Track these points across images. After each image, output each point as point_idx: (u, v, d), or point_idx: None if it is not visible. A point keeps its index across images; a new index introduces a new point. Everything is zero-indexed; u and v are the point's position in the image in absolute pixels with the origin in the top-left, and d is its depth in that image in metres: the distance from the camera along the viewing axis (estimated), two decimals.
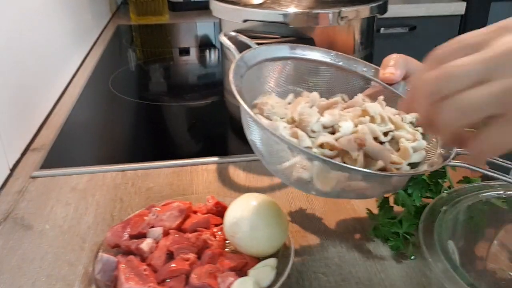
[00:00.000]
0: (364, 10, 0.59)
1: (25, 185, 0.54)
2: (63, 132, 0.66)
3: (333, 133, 0.36)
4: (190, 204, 0.43)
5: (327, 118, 0.36)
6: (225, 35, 0.42)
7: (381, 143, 0.36)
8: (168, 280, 0.36)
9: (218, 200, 0.44)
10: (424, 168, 0.35)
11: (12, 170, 0.57)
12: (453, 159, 0.34)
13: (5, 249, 0.43)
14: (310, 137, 0.35)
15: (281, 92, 0.42)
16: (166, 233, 0.40)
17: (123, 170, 0.56)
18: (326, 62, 0.43)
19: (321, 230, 0.45)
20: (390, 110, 0.39)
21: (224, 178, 0.54)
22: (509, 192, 0.37)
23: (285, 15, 0.56)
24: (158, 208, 0.43)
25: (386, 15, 0.64)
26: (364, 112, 0.37)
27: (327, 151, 0.34)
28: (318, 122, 0.35)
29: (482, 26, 0.27)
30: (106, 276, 0.37)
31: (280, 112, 0.37)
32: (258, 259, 0.39)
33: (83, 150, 0.64)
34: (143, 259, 0.38)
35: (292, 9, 0.57)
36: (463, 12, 1.53)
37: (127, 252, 0.39)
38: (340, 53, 0.43)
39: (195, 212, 0.43)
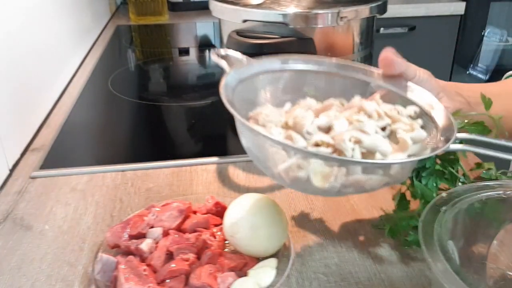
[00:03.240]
0: (364, 10, 0.59)
1: (25, 186, 0.53)
2: (63, 132, 0.66)
3: (328, 132, 0.35)
4: (190, 204, 0.43)
5: (322, 120, 0.36)
6: (217, 54, 0.42)
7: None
8: (167, 281, 0.36)
9: (218, 200, 0.44)
10: (427, 152, 0.34)
11: (12, 170, 0.57)
12: (455, 143, 0.34)
13: (4, 249, 0.43)
14: (305, 139, 0.34)
15: (278, 103, 0.41)
16: (165, 233, 0.40)
17: (122, 171, 0.56)
18: (320, 72, 0.42)
19: (321, 230, 0.45)
20: (387, 106, 0.38)
21: (224, 178, 0.54)
22: (509, 192, 0.37)
23: (284, 15, 0.56)
24: (157, 209, 0.43)
25: (385, 15, 0.64)
26: (360, 110, 0.37)
27: (322, 149, 0.33)
28: (313, 123, 0.35)
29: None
30: (105, 276, 0.37)
31: (275, 120, 0.37)
32: (258, 259, 0.39)
33: (82, 151, 0.64)
34: (143, 259, 0.38)
35: (291, 9, 0.57)
36: (462, 12, 1.53)
37: (127, 253, 0.39)
38: (334, 60, 0.43)
39: (194, 212, 0.43)
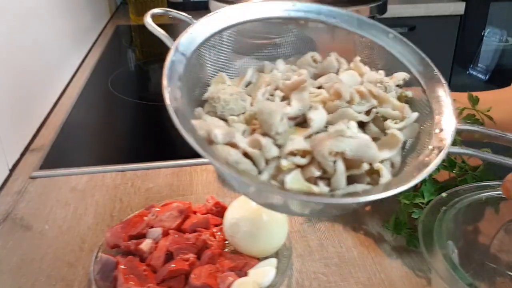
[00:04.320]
0: (364, 11, 0.59)
1: (25, 186, 0.53)
2: (63, 132, 0.66)
3: (303, 122, 0.30)
4: (190, 204, 0.43)
5: (294, 107, 0.29)
6: (152, 16, 0.33)
7: (363, 124, 0.30)
8: (167, 281, 0.36)
9: (218, 200, 0.44)
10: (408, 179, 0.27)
11: (12, 170, 0.57)
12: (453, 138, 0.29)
13: (4, 249, 0.43)
14: (275, 139, 0.28)
15: (237, 68, 0.34)
16: (165, 234, 0.40)
17: (122, 171, 0.56)
18: (284, 17, 0.34)
19: (321, 230, 0.45)
20: (371, 77, 0.32)
21: (223, 178, 0.54)
22: None
23: None
24: (157, 209, 0.43)
25: (385, 15, 0.64)
26: (338, 94, 0.30)
27: (298, 159, 0.27)
28: (283, 119, 0.28)
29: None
30: (105, 276, 0.37)
31: (237, 107, 0.30)
32: (258, 259, 0.39)
33: (82, 151, 0.64)
34: (143, 259, 0.38)
35: None
36: (462, 12, 1.53)
37: (127, 253, 0.39)
38: (303, 3, 0.35)
39: (194, 213, 0.43)
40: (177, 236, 0.39)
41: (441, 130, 0.30)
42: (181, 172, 0.55)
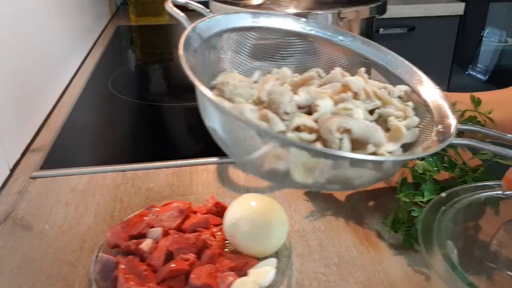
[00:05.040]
0: (363, 11, 0.59)
1: (25, 186, 0.54)
2: (63, 132, 0.66)
3: (310, 113, 0.30)
4: (190, 204, 0.43)
5: (302, 97, 0.30)
6: (173, 3, 0.36)
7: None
8: (167, 280, 0.36)
9: (218, 200, 0.44)
10: (418, 151, 0.29)
11: (12, 170, 0.57)
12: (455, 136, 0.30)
13: (5, 249, 0.43)
14: (283, 120, 0.29)
15: (246, 70, 0.35)
16: (165, 233, 0.40)
17: (123, 171, 0.56)
18: (296, 32, 0.37)
19: (321, 230, 0.45)
20: (375, 84, 0.34)
21: (224, 178, 0.54)
22: (507, 192, 0.37)
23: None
24: (158, 209, 0.43)
25: (385, 16, 0.65)
26: (345, 88, 0.31)
27: (304, 135, 0.28)
28: (291, 101, 0.29)
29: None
30: (106, 276, 0.37)
31: (245, 93, 0.30)
32: (258, 259, 0.39)
33: (83, 151, 0.64)
34: (143, 259, 0.38)
35: (291, 10, 0.57)
36: (461, 13, 1.53)
37: (127, 252, 0.39)
38: (313, 20, 0.38)
39: (194, 212, 0.43)
40: (177, 236, 0.39)
41: (443, 127, 0.31)
42: (181, 172, 0.55)
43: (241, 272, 0.37)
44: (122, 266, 0.36)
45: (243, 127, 0.26)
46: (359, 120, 0.28)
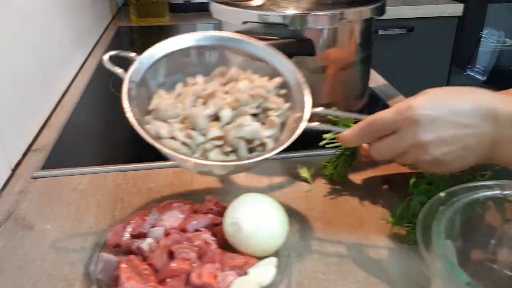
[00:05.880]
0: (363, 12, 0.59)
1: (27, 186, 0.54)
2: (64, 132, 0.67)
3: (217, 118, 0.44)
4: (190, 204, 0.44)
5: (211, 109, 0.44)
6: (107, 58, 0.48)
7: (255, 114, 0.45)
8: (168, 280, 0.36)
9: (218, 200, 0.44)
10: (283, 139, 0.43)
11: (14, 170, 0.57)
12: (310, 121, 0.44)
13: (6, 249, 0.43)
14: (201, 134, 0.43)
15: (170, 83, 0.48)
16: (166, 233, 0.40)
17: (124, 171, 0.56)
18: (198, 46, 0.49)
19: (320, 230, 0.45)
20: (258, 81, 0.47)
21: (223, 178, 0.55)
22: (506, 192, 0.37)
23: (284, 17, 0.56)
24: (158, 208, 0.43)
25: (384, 17, 0.65)
26: (237, 100, 0.45)
27: (216, 142, 0.43)
28: (204, 118, 0.43)
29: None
30: (107, 276, 0.37)
31: (173, 113, 0.44)
32: (258, 258, 0.39)
33: (84, 151, 0.64)
34: (144, 258, 0.38)
35: (291, 11, 0.57)
36: (460, 14, 1.54)
37: (128, 252, 0.39)
38: (208, 33, 0.49)
39: (195, 212, 0.43)
40: (178, 235, 0.39)
41: (303, 112, 0.44)
42: (182, 172, 0.56)
43: (241, 271, 0.37)
44: (123, 266, 0.37)
45: (175, 156, 0.41)
46: (248, 127, 0.43)
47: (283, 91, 0.47)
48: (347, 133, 0.43)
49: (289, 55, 0.58)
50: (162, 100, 0.45)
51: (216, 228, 0.42)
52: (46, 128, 0.69)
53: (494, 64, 1.67)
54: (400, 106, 0.39)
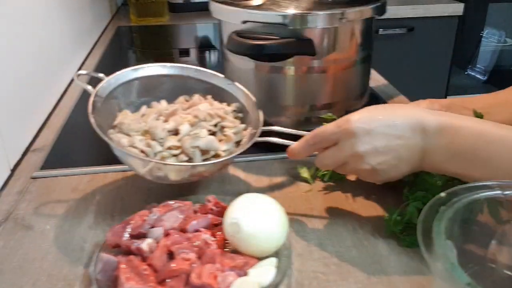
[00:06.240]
0: (363, 12, 0.59)
1: (26, 186, 0.54)
2: (64, 132, 0.67)
3: (177, 133, 0.47)
4: (190, 204, 0.44)
5: (171, 124, 0.48)
6: (78, 75, 0.52)
7: (214, 132, 0.49)
8: (168, 280, 0.36)
9: (218, 200, 0.44)
10: (237, 150, 0.48)
11: (13, 170, 0.57)
12: (259, 136, 0.50)
13: (6, 249, 0.43)
14: (160, 143, 0.46)
15: (136, 106, 0.53)
16: (166, 233, 0.40)
17: (123, 171, 0.56)
18: (165, 75, 0.55)
19: (320, 230, 0.45)
20: (218, 105, 0.53)
21: (224, 178, 0.55)
22: (507, 192, 0.37)
23: (284, 17, 0.56)
24: (158, 208, 0.43)
25: (384, 16, 0.65)
26: (196, 116, 0.49)
27: (173, 151, 0.46)
28: (163, 130, 0.47)
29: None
30: (106, 276, 0.37)
31: (136, 127, 0.48)
32: (258, 258, 0.39)
33: (83, 151, 0.64)
34: (144, 259, 0.38)
35: (291, 11, 0.57)
36: (461, 13, 1.54)
37: (128, 252, 0.39)
38: (174, 64, 0.56)
39: (195, 212, 0.43)
40: (177, 235, 0.39)
41: (256, 131, 0.50)
42: None
43: (241, 271, 0.37)
44: (123, 266, 0.37)
45: (131, 158, 0.46)
46: (204, 138, 0.47)
47: (240, 115, 0.53)
48: (295, 146, 0.46)
49: (289, 55, 0.58)
50: (126, 116, 0.50)
51: (216, 229, 0.42)
52: (46, 128, 0.68)
53: (495, 64, 1.67)
54: (340, 120, 0.43)
